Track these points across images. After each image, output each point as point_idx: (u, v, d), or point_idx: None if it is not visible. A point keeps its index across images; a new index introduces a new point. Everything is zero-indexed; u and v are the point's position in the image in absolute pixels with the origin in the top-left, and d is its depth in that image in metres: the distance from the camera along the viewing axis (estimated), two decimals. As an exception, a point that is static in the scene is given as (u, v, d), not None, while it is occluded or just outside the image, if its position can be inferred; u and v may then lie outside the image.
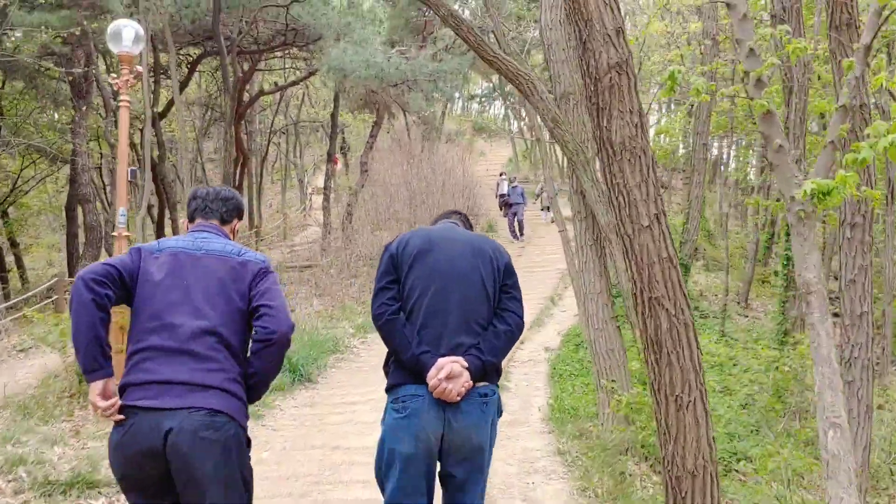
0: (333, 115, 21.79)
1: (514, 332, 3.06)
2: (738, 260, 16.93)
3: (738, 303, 14.12)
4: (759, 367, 7.31)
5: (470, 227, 3.51)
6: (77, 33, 13.11)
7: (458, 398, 2.86)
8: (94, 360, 2.55)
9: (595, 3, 3.22)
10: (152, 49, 16.47)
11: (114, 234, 7.75)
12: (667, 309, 3.28)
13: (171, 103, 18.32)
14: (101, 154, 20.31)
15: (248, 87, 20.61)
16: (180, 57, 19.04)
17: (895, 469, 5.88)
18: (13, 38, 14.45)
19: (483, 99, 41.90)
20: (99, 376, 2.56)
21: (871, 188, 4.28)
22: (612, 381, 5.65)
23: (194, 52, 18.93)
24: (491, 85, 36.24)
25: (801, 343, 6.63)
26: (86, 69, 14.85)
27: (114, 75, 7.99)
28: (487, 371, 2.96)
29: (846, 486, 2.80)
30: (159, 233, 19.22)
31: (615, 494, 4.76)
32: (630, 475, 4.98)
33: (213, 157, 27.32)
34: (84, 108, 15.34)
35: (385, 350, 3.09)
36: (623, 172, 3.28)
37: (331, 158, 22.36)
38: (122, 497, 2.62)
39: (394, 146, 24.69)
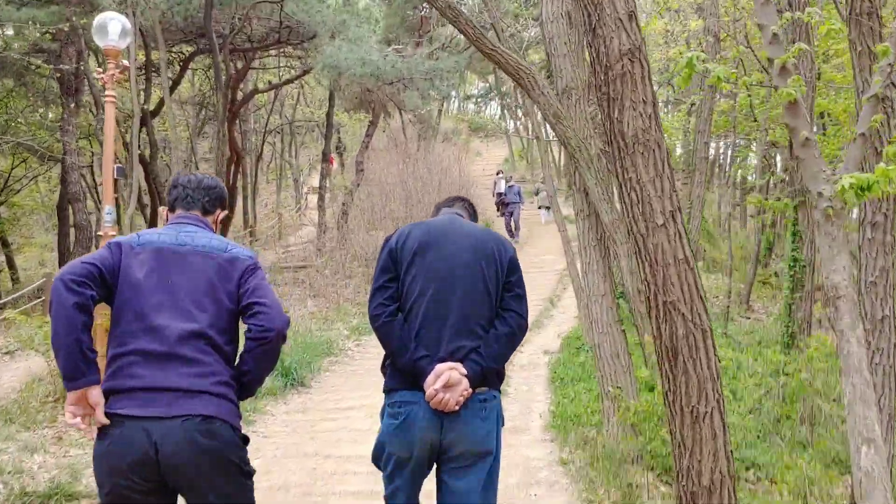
0: (328, 115, 21.56)
1: (516, 334, 2.92)
2: (739, 261, 16.74)
3: (740, 304, 13.92)
4: (766, 372, 7.12)
5: (474, 213, 3.36)
6: (66, 29, 12.87)
7: (457, 407, 2.74)
8: (75, 367, 2.37)
9: (606, -15, 2.99)
10: (144, 46, 16.22)
11: (99, 233, 7.51)
12: (683, 314, 3.06)
13: (163, 102, 18.06)
14: (92, 153, 20.07)
15: (241, 85, 20.35)
16: (173, 55, 18.78)
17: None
18: (3, 35, 14.20)
19: (479, 99, 41.79)
20: (81, 384, 2.38)
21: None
22: (618, 387, 5.42)
23: (187, 49, 18.66)
24: (487, 85, 36.15)
25: (809, 347, 6.42)
26: (76, 66, 14.60)
27: (100, 70, 7.75)
28: (487, 377, 2.83)
29: (881, 506, 2.58)
30: (152, 232, 18.94)
31: (622, 507, 4.55)
32: (637, 486, 4.75)
33: (208, 156, 27.02)
34: (73, 105, 15.11)
35: (382, 350, 2.97)
36: (636, 167, 3.06)
37: (326, 158, 22.13)
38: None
39: (390, 145, 24.48)
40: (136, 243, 2.58)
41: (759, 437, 6.40)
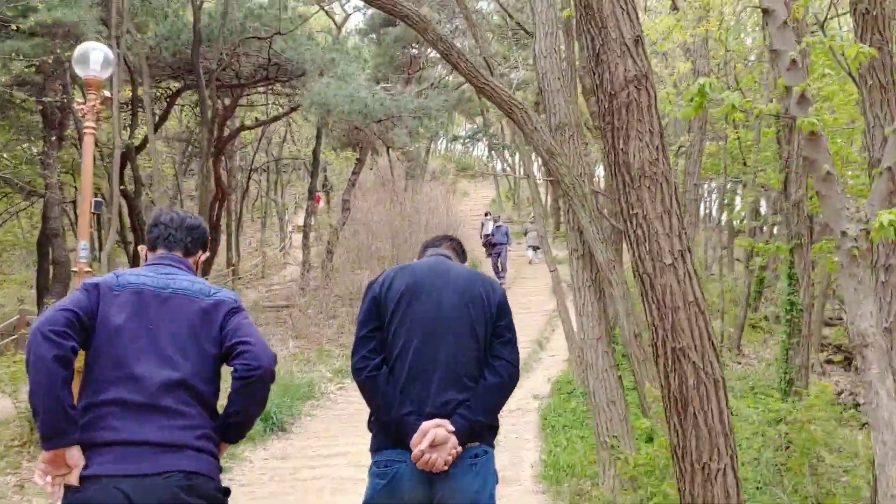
0: (315, 152, 21.43)
1: (507, 384, 2.76)
2: (728, 304, 16.57)
3: (731, 349, 13.70)
4: (764, 420, 6.86)
5: (462, 252, 3.20)
6: (50, 62, 12.67)
7: (446, 467, 2.58)
8: (54, 427, 2.19)
9: (611, 8, 2.81)
10: (130, 81, 16.07)
11: (74, 269, 7.21)
12: (693, 362, 2.82)
13: (147, 138, 17.89)
14: (75, 188, 19.76)
15: (228, 122, 20.20)
16: (160, 90, 18.64)
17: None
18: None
19: (467, 140, 41.94)
20: (61, 444, 2.20)
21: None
22: (615, 436, 5.14)
23: (174, 85, 18.53)
24: (475, 126, 36.29)
25: (810, 395, 6.18)
26: (62, 98, 14.39)
27: (80, 100, 7.53)
28: (478, 431, 2.67)
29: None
30: (134, 270, 18.62)
31: (620, 567, 4.25)
32: (637, 545, 4.45)
33: (194, 193, 26.74)
34: (55, 138, 14.87)
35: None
36: (642, 202, 2.85)
37: (312, 196, 21.95)
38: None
39: (377, 184, 24.32)
40: (116, 285, 2.44)
41: (758, 488, 6.12)
